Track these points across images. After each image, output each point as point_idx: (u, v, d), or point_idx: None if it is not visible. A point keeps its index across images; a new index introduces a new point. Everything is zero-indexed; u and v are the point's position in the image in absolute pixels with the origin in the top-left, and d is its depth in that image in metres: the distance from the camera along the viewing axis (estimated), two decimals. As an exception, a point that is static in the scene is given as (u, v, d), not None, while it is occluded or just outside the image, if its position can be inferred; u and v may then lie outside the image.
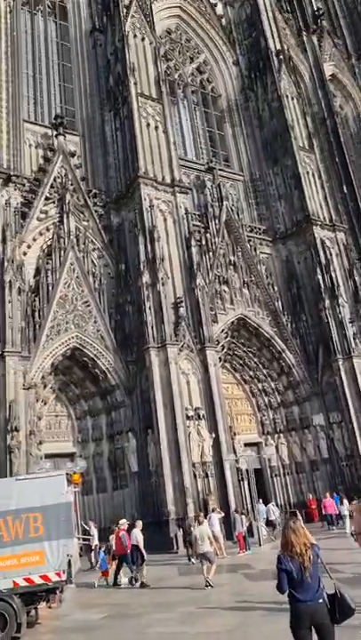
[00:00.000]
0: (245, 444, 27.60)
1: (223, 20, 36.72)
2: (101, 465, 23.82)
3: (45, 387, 23.05)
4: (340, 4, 47.69)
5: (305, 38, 40.99)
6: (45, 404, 23.58)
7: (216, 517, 18.32)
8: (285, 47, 36.67)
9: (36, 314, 22.28)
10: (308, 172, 32.39)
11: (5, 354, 20.49)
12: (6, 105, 24.43)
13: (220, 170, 31.28)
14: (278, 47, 35.43)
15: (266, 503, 23.59)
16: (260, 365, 29.30)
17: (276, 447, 28.81)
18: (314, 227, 30.52)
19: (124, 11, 28.55)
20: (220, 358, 26.32)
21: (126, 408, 23.60)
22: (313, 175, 32.69)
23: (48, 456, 22.06)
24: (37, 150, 26.19)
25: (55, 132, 25.98)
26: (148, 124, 26.79)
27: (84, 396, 24.62)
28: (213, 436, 22.73)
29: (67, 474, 11.15)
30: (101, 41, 29.92)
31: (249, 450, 27.48)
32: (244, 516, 19.44)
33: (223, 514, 19.84)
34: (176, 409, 22.05)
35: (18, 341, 21.03)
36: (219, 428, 23.11)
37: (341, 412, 27.39)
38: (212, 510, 19.54)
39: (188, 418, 22.53)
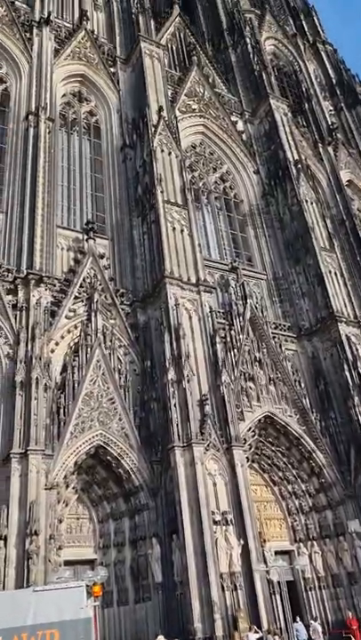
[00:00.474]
0: (276, 553, 25.83)
1: (244, 136, 39.58)
2: (123, 574, 22.35)
3: (68, 487, 22.40)
4: (352, 118, 51.18)
5: (321, 149, 43.75)
6: (67, 505, 22.79)
7: (254, 638, 16.68)
8: (303, 157, 39.12)
9: (61, 410, 22.20)
10: (330, 271, 33.09)
11: (29, 452, 20.18)
12: (42, 213, 26.16)
13: (243, 269, 32.20)
14: (296, 157, 37.77)
15: (299, 620, 21.55)
16: (290, 466, 28.14)
17: (310, 556, 26.80)
18: (339, 323, 30.60)
19: (152, 129, 31.15)
20: (247, 458, 25.43)
21: (150, 511, 22.57)
22: (335, 274, 33.35)
23: (67, 563, 20.95)
24: (69, 253, 27.52)
25: (86, 237, 27.43)
26: (174, 228, 28.17)
27: (106, 497, 23.76)
28: (242, 542, 21.40)
29: (87, 585, 10.46)
30: (131, 155, 32.35)
31: (280, 559, 25.71)
32: (277, 637, 17.68)
33: (261, 634, 18.02)
34: (202, 513, 21.00)
35: (42, 439, 20.80)
36: (248, 535, 21.79)
37: (378, 518, 25.67)
38: (249, 629, 17.86)
39: (214, 523, 21.37)
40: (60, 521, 21.57)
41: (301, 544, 27.23)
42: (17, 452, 20.25)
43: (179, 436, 22.36)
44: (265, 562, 23.24)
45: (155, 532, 22.12)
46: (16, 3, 33.78)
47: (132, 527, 22.93)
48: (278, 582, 24.73)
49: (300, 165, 37.10)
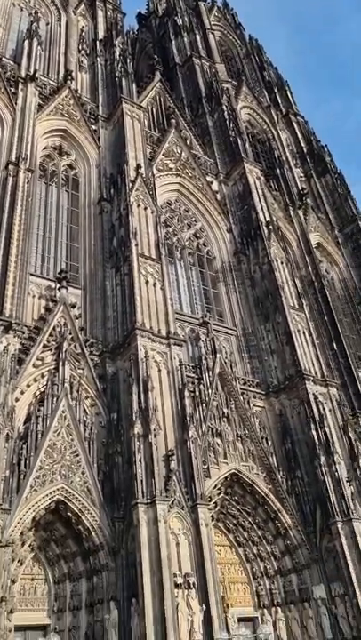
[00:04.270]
0: (239, 619, 24.80)
1: (218, 195, 40.90)
2: (77, 641, 21.04)
3: (24, 544, 21.32)
4: (322, 186, 53.72)
5: (292, 212, 45.54)
6: (22, 564, 21.61)
7: None
8: (274, 219, 40.55)
9: (22, 462, 21.42)
10: (298, 330, 33.65)
11: (-15, 506, 19.25)
12: (15, 259, 26.15)
13: (213, 324, 32.53)
14: (268, 218, 39.11)
15: None
16: (255, 526, 27.52)
17: (274, 624, 25.81)
18: (306, 381, 30.85)
19: (130, 185, 31.97)
20: (212, 517, 24.79)
21: (109, 572, 21.51)
22: (303, 332, 33.92)
23: (18, 628, 19.67)
24: (40, 301, 27.37)
25: (58, 285, 27.41)
26: (147, 281, 28.46)
27: (64, 556, 22.65)
28: (204, 608, 20.49)
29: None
30: (107, 208, 32.97)
31: (243, 627, 24.65)
32: None
33: None
34: (164, 575, 20.13)
35: (0, 492, 19.91)
36: (210, 600, 20.89)
37: (344, 583, 25.02)
38: None
39: (176, 586, 20.46)
40: (14, 582, 20.36)
41: (265, 610, 26.30)
42: (-28, 505, 19.29)
43: (143, 492, 21.72)
44: (227, 630, 22.23)
45: (113, 594, 21.02)
46: (3, 59, 34.95)
47: (90, 589, 21.79)
48: (241, 652, 23.66)
49: (271, 226, 38.37)
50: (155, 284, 28.71)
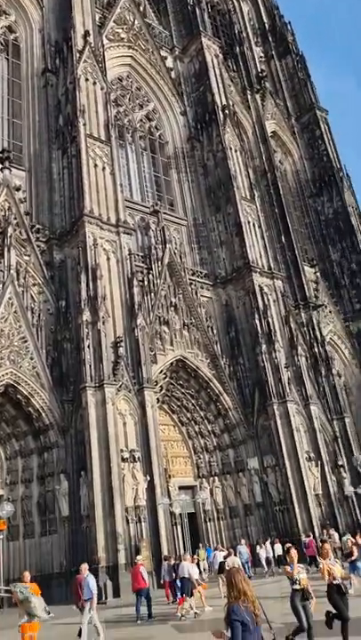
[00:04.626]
0: (180, 488, 27.33)
1: (173, 73, 38.26)
2: (30, 509, 22.70)
3: (-26, 425, 22.01)
4: (282, 69, 51.03)
5: (249, 97, 43.43)
6: (-27, 443, 22.47)
7: (221, 556, 17.95)
8: (231, 103, 38.62)
9: (-30, 348, 21.45)
10: (248, 222, 33.65)
11: None
12: None
13: (164, 213, 31.95)
14: (224, 102, 37.21)
15: (243, 542, 23.37)
16: (198, 408, 29.40)
17: (211, 491, 28.66)
18: (253, 273, 31.52)
19: (77, 55, 29.18)
20: (157, 399, 26.20)
21: (60, 449, 22.82)
22: (253, 225, 33.99)
23: (-27, 499, 20.85)
24: (-19, 182, 25.78)
25: (0, 166, 25.74)
26: (96, 165, 27.14)
27: (15, 435, 23.66)
28: (148, 478, 22.34)
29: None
30: (53, 82, 30.32)
31: (183, 494, 27.24)
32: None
33: (226, 552, 18.49)
34: (111, 451, 21.56)
35: None
36: (154, 471, 22.75)
37: (275, 456, 27.75)
38: (215, 549, 20.29)
39: (123, 460, 22.07)
40: (-34, 458, 21.27)
41: (204, 480, 28.99)
42: None
43: (91, 376, 22.46)
44: (169, 496, 24.49)
45: (63, 468, 22.49)
46: None
47: (41, 464, 23.15)
48: (180, 514, 26.38)
49: (227, 111, 36.67)
50: (104, 168, 27.43)
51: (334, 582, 7.65)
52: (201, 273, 32.20)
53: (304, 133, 48.40)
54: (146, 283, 27.79)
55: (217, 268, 32.95)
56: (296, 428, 28.35)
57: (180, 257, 30.43)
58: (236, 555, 18.13)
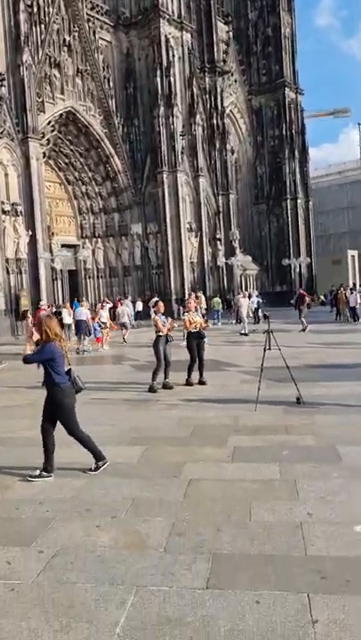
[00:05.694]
0: (63, 246, 27.73)
1: None
2: None
3: None
4: None
5: None
6: None
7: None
8: None
9: None
10: None
11: None
12: None
13: None
14: None
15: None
16: (87, 168, 28.28)
17: (93, 251, 29.55)
18: (161, 20, 27.86)
19: None
20: (44, 153, 24.61)
21: None
22: None
23: None
24: None
25: None
26: None
27: None
28: (30, 233, 22.22)
29: None
30: None
31: (65, 251, 27.78)
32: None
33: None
34: (-9, 202, 20.71)
35: None
36: (36, 227, 22.60)
37: (159, 223, 28.61)
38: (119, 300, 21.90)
39: (3, 212, 21.41)
40: None
41: (87, 240, 29.55)
42: None
43: (-32, 117, 20.13)
44: (51, 252, 24.89)
45: None
46: None
47: None
48: (61, 270, 27.30)
49: None
50: None
51: (193, 330, 8.93)
52: (102, 9, 27.80)
53: None
54: (35, 10, 23.53)
55: (120, 7, 28.56)
56: (182, 198, 28.83)
57: (79, -17, 25.62)
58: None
